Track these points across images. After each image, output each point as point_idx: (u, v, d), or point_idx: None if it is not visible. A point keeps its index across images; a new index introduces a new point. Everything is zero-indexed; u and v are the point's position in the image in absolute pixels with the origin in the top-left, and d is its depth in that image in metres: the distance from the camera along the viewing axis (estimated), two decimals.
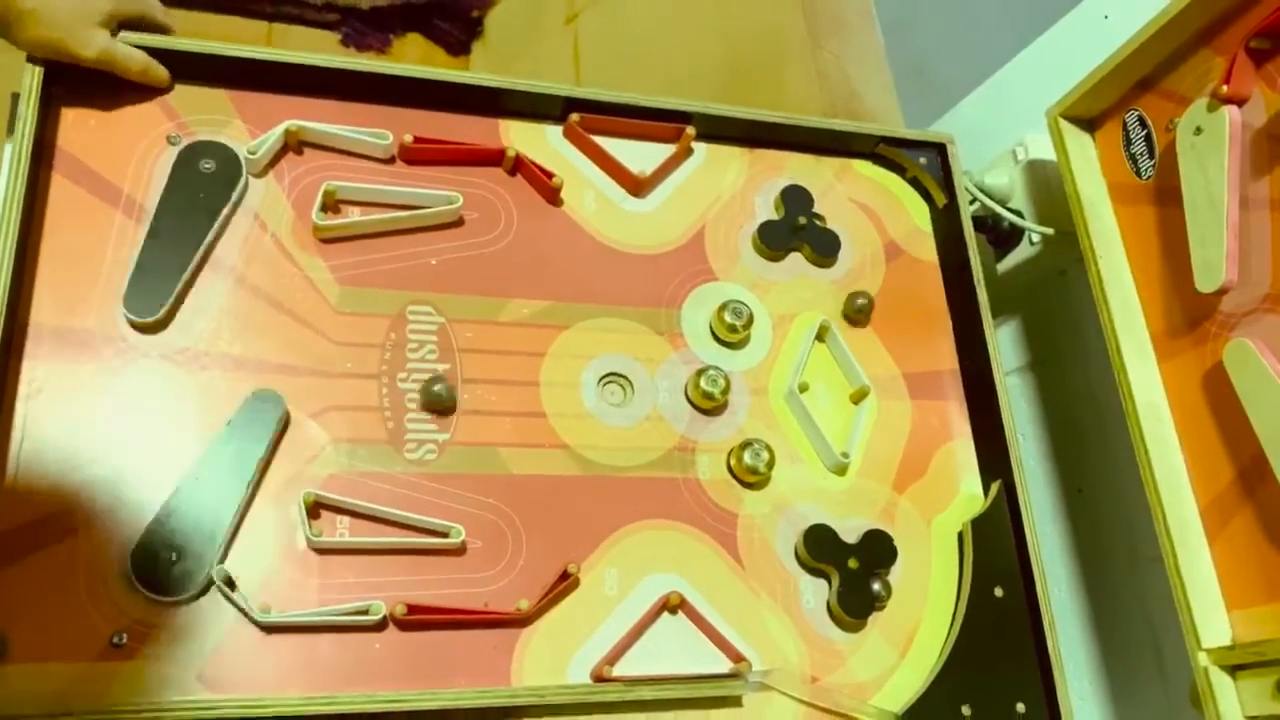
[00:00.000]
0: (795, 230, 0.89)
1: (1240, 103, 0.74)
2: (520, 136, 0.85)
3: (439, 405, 0.75)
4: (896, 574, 0.81)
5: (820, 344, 0.87)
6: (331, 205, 0.78)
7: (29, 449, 0.66)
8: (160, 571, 0.65)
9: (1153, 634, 0.94)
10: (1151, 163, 0.83)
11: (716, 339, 0.85)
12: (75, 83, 0.73)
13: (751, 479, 0.80)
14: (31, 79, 0.71)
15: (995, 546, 0.82)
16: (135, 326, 0.70)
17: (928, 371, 0.89)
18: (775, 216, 0.90)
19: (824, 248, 0.89)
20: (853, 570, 0.78)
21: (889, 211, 0.94)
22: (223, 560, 0.67)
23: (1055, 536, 1.04)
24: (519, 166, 0.83)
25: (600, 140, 0.86)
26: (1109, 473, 1.00)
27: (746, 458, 0.79)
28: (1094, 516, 1.02)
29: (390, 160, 0.80)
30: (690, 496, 0.79)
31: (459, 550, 0.72)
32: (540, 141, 0.85)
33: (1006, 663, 0.79)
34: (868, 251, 0.92)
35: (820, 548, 0.79)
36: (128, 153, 0.74)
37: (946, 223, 0.93)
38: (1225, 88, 0.74)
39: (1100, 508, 1.01)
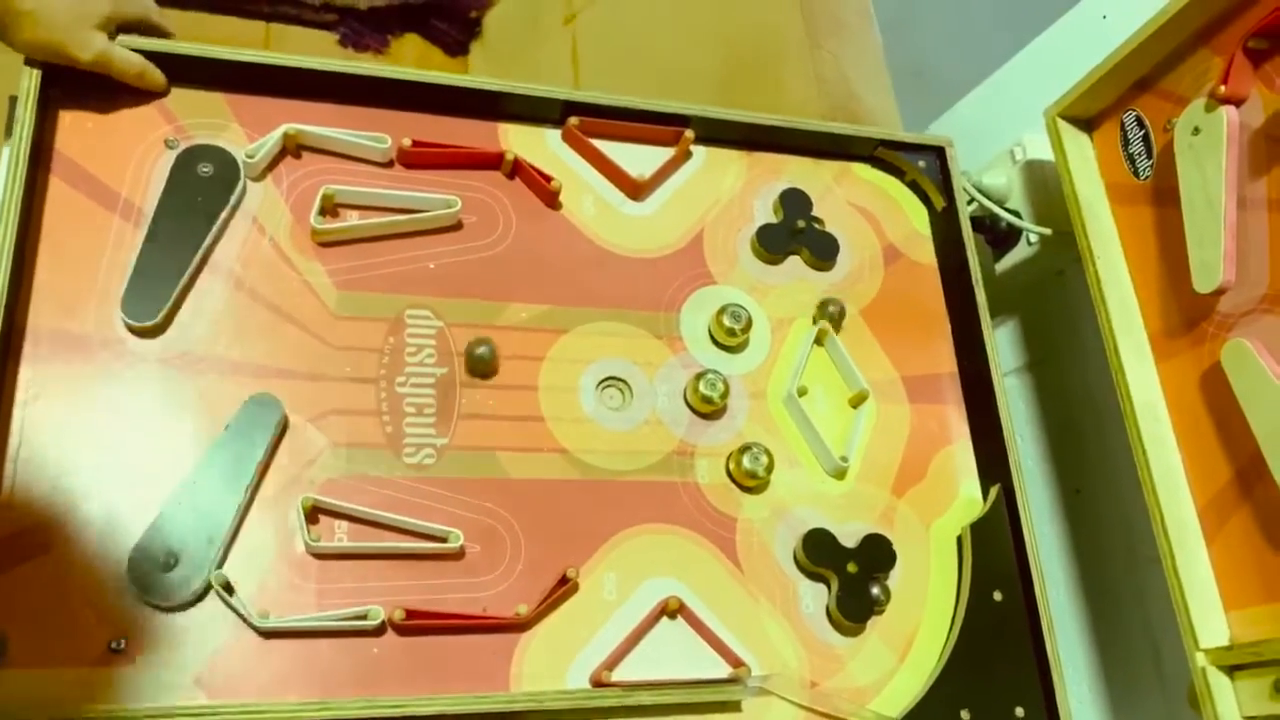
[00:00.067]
0: (794, 234, 0.89)
1: (1238, 103, 0.74)
2: (519, 140, 0.85)
3: (483, 368, 0.76)
4: (895, 578, 0.81)
5: (819, 348, 0.87)
6: (330, 209, 0.78)
7: (27, 453, 0.66)
8: (158, 577, 0.65)
9: (1151, 635, 0.94)
10: (1149, 163, 0.83)
11: (715, 343, 0.85)
12: (73, 86, 0.73)
13: (750, 483, 0.80)
14: (29, 82, 0.71)
15: (994, 550, 0.82)
16: (133, 330, 0.70)
17: (926, 375, 0.89)
18: (774, 220, 0.90)
19: (823, 251, 0.89)
20: (852, 574, 0.78)
21: (888, 215, 0.94)
22: (221, 565, 0.67)
23: (1053, 538, 1.04)
24: (517, 170, 0.83)
25: (599, 144, 0.86)
26: (1107, 473, 1.00)
27: (745, 462, 0.79)
28: (1092, 517, 1.02)
29: (389, 164, 0.80)
30: (689, 501, 0.79)
31: (458, 555, 0.72)
32: (539, 145, 0.85)
33: (1005, 666, 0.79)
34: (866, 255, 0.92)
35: (819, 552, 0.79)
36: (125, 156, 0.74)
37: (945, 226, 0.93)
38: (1223, 88, 0.74)
39: (1098, 509, 1.01)
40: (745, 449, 0.80)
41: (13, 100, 0.71)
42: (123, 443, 0.68)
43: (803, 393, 0.84)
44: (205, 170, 0.75)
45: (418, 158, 0.81)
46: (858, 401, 0.86)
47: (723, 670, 0.74)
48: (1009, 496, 0.84)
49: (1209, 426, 0.77)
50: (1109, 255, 0.85)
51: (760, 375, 0.85)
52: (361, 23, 1.38)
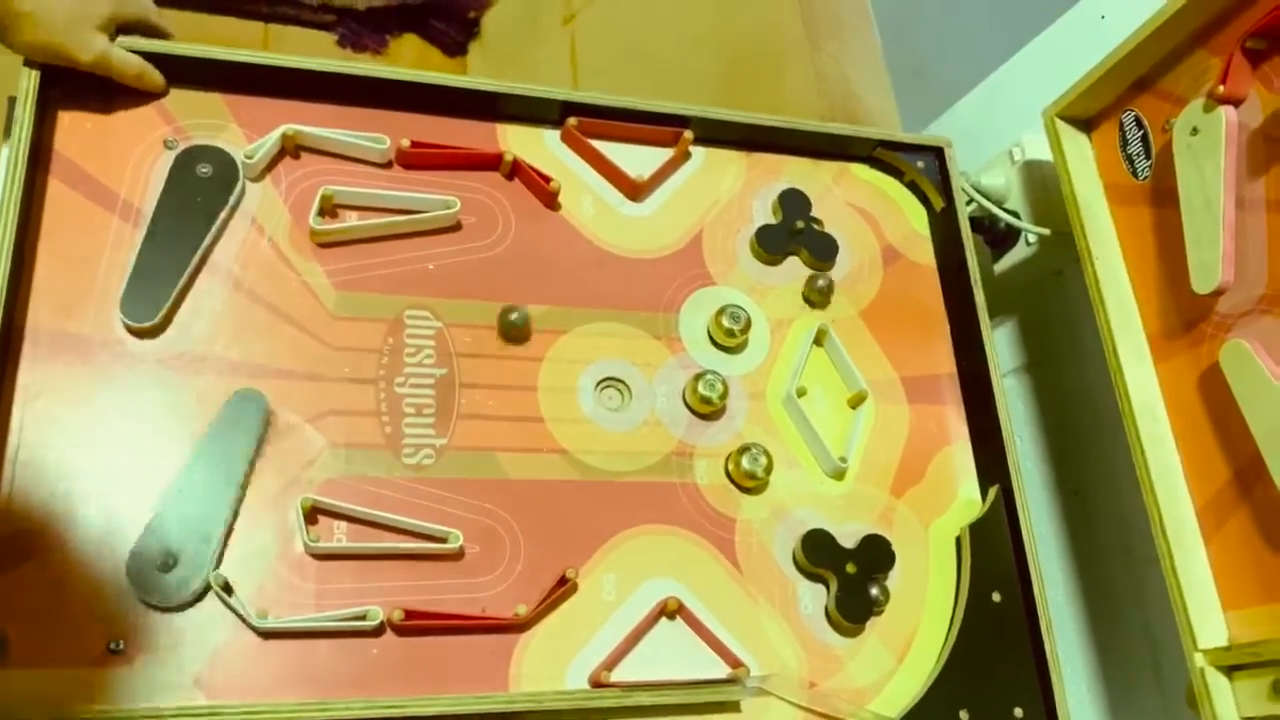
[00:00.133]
0: (793, 234, 0.89)
1: (1237, 103, 0.74)
2: (518, 141, 0.85)
3: (516, 333, 0.77)
4: (894, 579, 0.81)
5: (818, 348, 0.87)
6: (329, 210, 0.78)
7: (26, 454, 0.66)
8: (157, 577, 0.65)
9: (1150, 635, 0.94)
10: (1148, 163, 0.83)
11: (714, 343, 0.85)
12: (72, 87, 0.73)
13: (749, 484, 0.80)
14: (28, 83, 0.71)
15: (993, 551, 0.82)
16: (132, 331, 0.70)
17: (925, 376, 0.89)
18: (773, 220, 0.90)
19: (822, 251, 0.89)
20: (851, 575, 0.78)
21: (886, 215, 0.94)
22: (219, 565, 0.67)
23: (1052, 538, 1.04)
24: (516, 171, 0.83)
25: (598, 144, 0.86)
26: (1106, 474, 1.00)
27: (744, 462, 0.79)
28: (1091, 518, 1.02)
29: (387, 165, 0.80)
30: (688, 501, 0.79)
31: (457, 555, 0.72)
32: (538, 146, 0.85)
33: (1004, 667, 0.79)
34: (865, 255, 0.92)
35: (818, 553, 0.79)
36: (124, 157, 0.74)
37: (944, 226, 0.93)
38: (1221, 88, 0.74)
39: (1097, 509, 1.01)
40: (744, 450, 0.80)
41: (12, 101, 0.71)
42: (122, 443, 0.68)
43: (802, 393, 0.84)
44: (204, 171, 0.75)
45: (416, 158, 0.81)
46: (857, 402, 0.86)
47: (722, 671, 0.74)
48: (1008, 497, 0.84)
49: (1207, 427, 0.77)
50: (1108, 256, 0.85)
51: (759, 376, 0.85)
52: (360, 23, 1.38)
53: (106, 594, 0.64)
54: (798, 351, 0.85)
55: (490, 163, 0.83)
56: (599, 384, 0.81)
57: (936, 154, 0.95)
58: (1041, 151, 0.96)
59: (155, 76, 0.75)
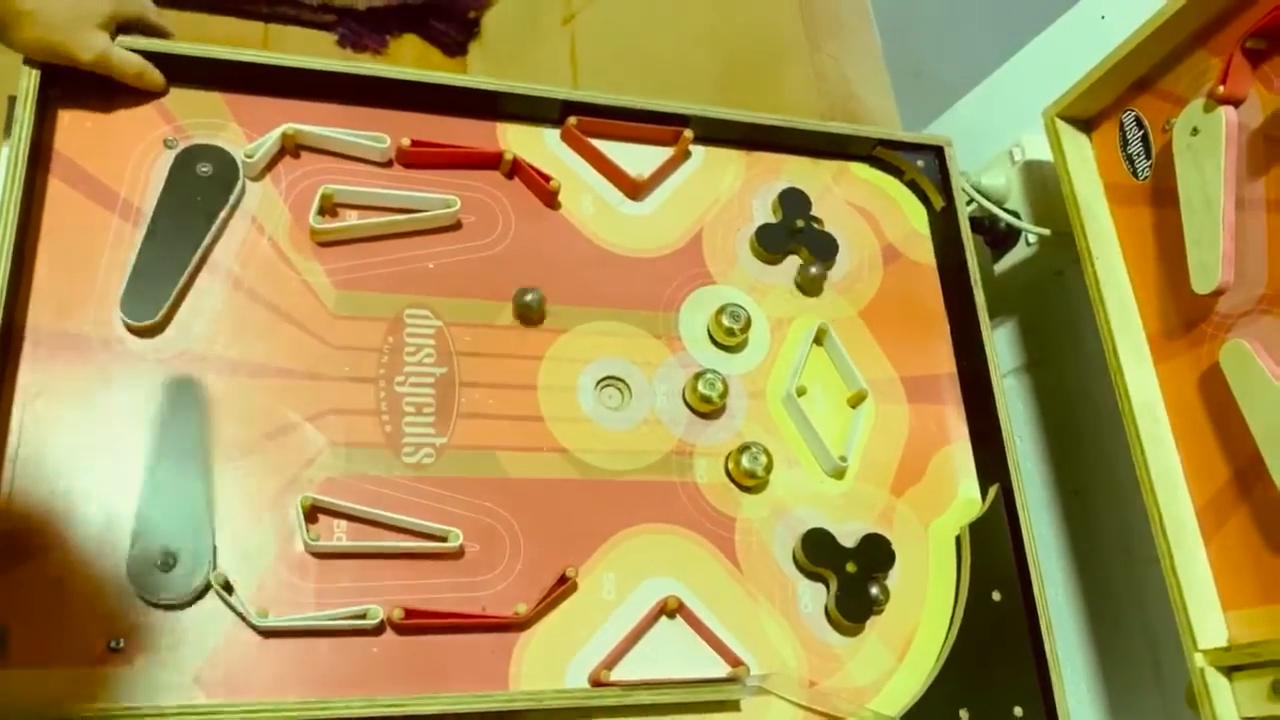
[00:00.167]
0: (793, 233, 0.89)
1: (1237, 103, 0.74)
2: (518, 140, 0.85)
3: (530, 315, 0.78)
4: (894, 578, 0.81)
5: (818, 347, 0.87)
6: (329, 209, 0.78)
7: (26, 453, 0.66)
8: (158, 576, 0.65)
9: (1149, 635, 0.94)
10: (1148, 163, 0.83)
11: (714, 342, 0.85)
12: (72, 86, 0.73)
13: (749, 483, 0.80)
14: (28, 82, 0.71)
15: (993, 550, 0.82)
16: (132, 330, 0.70)
17: (925, 375, 0.89)
18: (773, 219, 0.90)
19: (822, 251, 0.89)
20: (851, 574, 0.78)
21: (886, 214, 0.94)
22: (218, 563, 0.67)
23: (1052, 538, 1.04)
24: (516, 170, 0.83)
25: (598, 143, 0.86)
26: (1106, 474, 1.00)
27: (744, 461, 0.79)
28: (1091, 518, 1.02)
29: (388, 164, 0.80)
30: (688, 500, 0.79)
31: (457, 554, 0.72)
32: (538, 145, 0.85)
33: (1004, 666, 0.79)
34: (865, 255, 0.92)
35: (818, 552, 0.79)
36: (124, 156, 0.74)
37: (944, 225, 0.93)
38: (1221, 88, 0.74)
39: (1097, 509, 1.01)
40: (744, 449, 0.80)
41: (12, 100, 0.71)
42: (122, 442, 0.68)
43: (802, 392, 0.84)
44: (204, 170, 0.75)
45: (417, 157, 0.81)
46: (856, 401, 0.86)
47: (721, 670, 0.74)
48: (1008, 496, 0.84)
49: (1207, 427, 0.77)
50: (1108, 256, 0.85)
51: (759, 375, 0.85)
52: (360, 23, 1.38)
53: (107, 593, 0.64)
54: (798, 351, 0.85)
55: (490, 162, 0.83)
56: (599, 383, 0.81)
57: (936, 153, 0.95)
58: (1042, 151, 0.96)
59: (155, 76, 0.75)
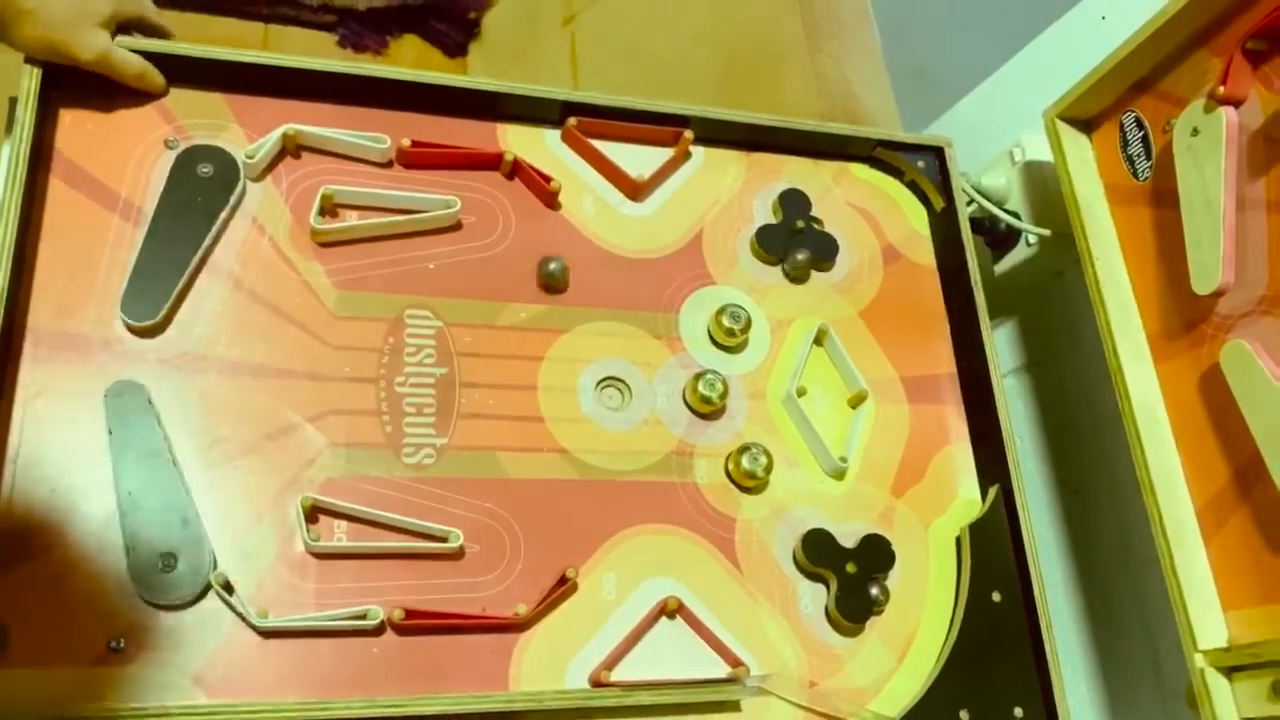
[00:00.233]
0: (793, 234, 0.89)
1: (1237, 104, 0.74)
2: (518, 140, 0.85)
3: (555, 283, 0.80)
4: (895, 578, 0.81)
5: (818, 348, 0.87)
6: (329, 209, 0.78)
7: (27, 453, 0.66)
8: (158, 577, 0.65)
9: (1149, 636, 0.94)
10: (1148, 164, 0.83)
11: (714, 343, 0.85)
12: (73, 86, 0.73)
13: (749, 483, 0.80)
14: (30, 81, 0.71)
15: (993, 551, 0.82)
16: (133, 330, 0.70)
17: (925, 375, 0.89)
18: (773, 220, 0.90)
19: (822, 251, 0.89)
20: (851, 575, 0.78)
21: (887, 215, 0.94)
22: (218, 564, 0.67)
23: (1052, 538, 1.04)
24: (517, 170, 0.83)
25: (598, 144, 0.86)
26: (1106, 474, 1.00)
27: (744, 462, 0.79)
28: (1091, 518, 1.02)
29: (388, 164, 0.80)
30: (688, 501, 0.79)
31: (457, 555, 0.72)
32: (538, 145, 0.85)
33: (1004, 667, 0.79)
34: (865, 255, 0.92)
35: (818, 552, 0.79)
36: (125, 157, 0.74)
37: (944, 226, 0.93)
38: (1222, 89, 0.74)
39: (1097, 509, 1.01)
40: (744, 449, 0.80)
41: (13, 100, 0.71)
42: None
43: (802, 393, 0.84)
44: (205, 170, 0.75)
45: (417, 158, 0.81)
46: (857, 402, 0.86)
47: (722, 670, 0.74)
48: (1008, 497, 0.84)
49: (1208, 427, 0.77)
50: (1108, 256, 0.85)
51: (759, 375, 0.85)
52: (360, 24, 1.38)
53: (107, 593, 0.64)
54: (798, 351, 0.85)
55: (491, 162, 0.83)
56: (599, 383, 0.81)
57: (937, 154, 0.95)
58: (1042, 152, 0.96)
59: (156, 77, 0.75)
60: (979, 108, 1.17)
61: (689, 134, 0.87)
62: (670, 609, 0.74)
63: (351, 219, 0.78)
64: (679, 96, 0.90)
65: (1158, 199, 0.82)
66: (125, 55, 0.73)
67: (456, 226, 0.81)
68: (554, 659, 0.71)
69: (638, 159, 0.86)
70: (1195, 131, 0.76)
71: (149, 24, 0.77)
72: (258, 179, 0.77)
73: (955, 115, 1.20)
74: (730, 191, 0.90)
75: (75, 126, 0.74)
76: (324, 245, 0.77)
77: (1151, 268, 0.83)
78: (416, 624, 0.68)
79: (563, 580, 0.72)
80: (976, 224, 1.01)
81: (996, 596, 0.81)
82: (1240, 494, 0.74)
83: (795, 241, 0.88)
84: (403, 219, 0.79)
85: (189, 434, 0.69)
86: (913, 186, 0.96)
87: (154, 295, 0.71)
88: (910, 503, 0.84)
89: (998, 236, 1.04)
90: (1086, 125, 0.89)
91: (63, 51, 0.71)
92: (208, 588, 0.66)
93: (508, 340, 0.79)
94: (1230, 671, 0.73)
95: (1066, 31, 1.08)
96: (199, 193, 0.74)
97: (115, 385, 0.69)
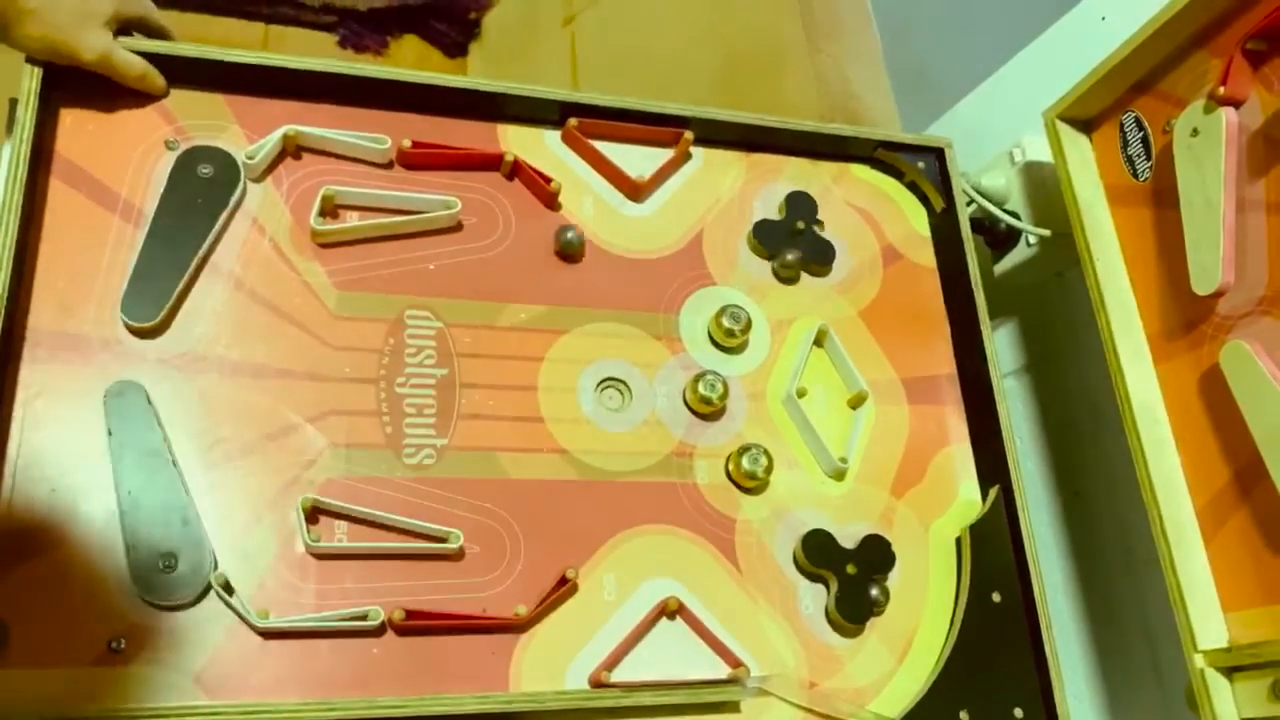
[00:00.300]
0: (792, 234, 0.89)
1: (1237, 104, 0.74)
2: (518, 141, 0.85)
3: (573, 253, 0.81)
4: (895, 579, 0.81)
5: (818, 349, 0.87)
6: (330, 210, 0.78)
7: (27, 453, 0.66)
8: (159, 577, 0.65)
9: (1149, 637, 0.94)
10: (1148, 164, 0.83)
11: (715, 344, 0.85)
12: (74, 87, 0.73)
13: (750, 484, 0.80)
14: (31, 81, 0.71)
15: (993, 551, 0.82)
16: (133, 331, 0.71)
17: (925, 376, 0.89)
18: (777, 218, 0.90)
19: (817, 256, 0.89)
20: (851, 575, 0.78)
21: (887, 216, 0.94)
22: (218, 564, 0.67)
23: (1052, 539, 1.04)
24: (517, 171, 0.83)
25: (598, 145, 0.86)
26: (1106, 475, 1.00)
27: (745, 463, 0.79)
28: (1091, 519, 1.02)
29: (388, 165, 0.80)
30: (688, 502, 0.79)
31: (457, 555, 0.72)
32: (538, 146, 0.85)
33: (1004, 667, 0.79)
34: (866, 256, 0.92)
35: (818, 553, 0.79)
36: (126, 157, 0.74)
37: (945, 227, 0.93)
38: (1222, 89, 0.74)
39: (1097, 510, 1.01)
40: (744, 450, 0.80)
41: (14, 101, 0.71)
42: None
43: (802, 394, 0.84)
44: (205, 171, 0.75)
45: (417, 159, 0.81)
46: (857, 403, 0.86)
47: (722, 671, 0.74)
48: (1008, 498, 0.84)
49: (1208, 428, 0.77)
50: (1108, 257, 0.85)
51: (759, 376, 0.85)
52: (361, 24, 1.39)
53: (107, 593, 0.64)
54: (798, 352, 0.85)
55: (491, 163, 0.83)
56: (599, 384, 0.81)
57: (937, 155, 0.95)
58: (1042, 153, 0.96)
59: (157, 79, 0.75)
60: (979, 108, 1.17)
61: (689, 135, 0.87)
62: (670, 610, 0.74)
63: (352, 220, 0.78)
64: (679, 96, 0.90)
65: (1158, 199, 0.82)
66: (127, 56, 0.73)
67: (457, 227, 0.81)
68: (554, 660, 0.71)
69: (638, 160, 0.86)
70: (1195, 132, 0.76)
71: (151, 24, 0.77)
72: (258, 180, 0.77)
73: (955, 115, 1.20)
74: (730, 192, 0.90)
75: (76, 127, 0.74)
76: (324, 246, 0.77)
77: (1151, 268, 0.83)
78: (417, 624, 0.68)
79: (563, 581, 0.72)
80: (977, 224, 1.01)
81: (996, 597, 0.81)
82: (1240, 494, 0.74)
83: (792, 241, 0.88)
84: (403, 220, 0.79)
85: (189, 434, 0.69)
86: (913, 187, 0.96)
87: (154, 296, 0.71)
88: (910, 503, 0.84)
89: (998, 237, 1.04)
90: (1086, 126, 0.89)
91: (64, 52, 0.71)
92: (208, 588, 0.66)
93: (508, 341, 0.79)
94: (1230, 672, 0.73)
95: (1066, 32, 1.08)
96: (199, 193, 0.74)
97: (115, 385, 0.69)
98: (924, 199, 0.95)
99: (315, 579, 0.69)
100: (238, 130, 0.77)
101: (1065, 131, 0.89)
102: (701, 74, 1.19)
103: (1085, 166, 0.88)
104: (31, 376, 0.68)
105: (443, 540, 0.71)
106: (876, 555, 0.80)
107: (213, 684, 0.64)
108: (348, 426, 0.73)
